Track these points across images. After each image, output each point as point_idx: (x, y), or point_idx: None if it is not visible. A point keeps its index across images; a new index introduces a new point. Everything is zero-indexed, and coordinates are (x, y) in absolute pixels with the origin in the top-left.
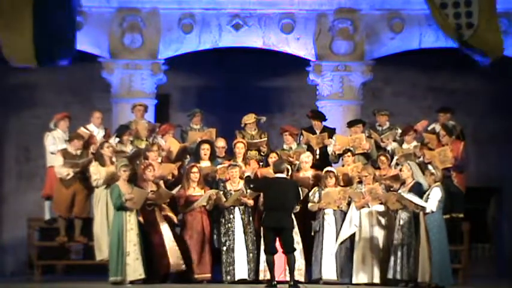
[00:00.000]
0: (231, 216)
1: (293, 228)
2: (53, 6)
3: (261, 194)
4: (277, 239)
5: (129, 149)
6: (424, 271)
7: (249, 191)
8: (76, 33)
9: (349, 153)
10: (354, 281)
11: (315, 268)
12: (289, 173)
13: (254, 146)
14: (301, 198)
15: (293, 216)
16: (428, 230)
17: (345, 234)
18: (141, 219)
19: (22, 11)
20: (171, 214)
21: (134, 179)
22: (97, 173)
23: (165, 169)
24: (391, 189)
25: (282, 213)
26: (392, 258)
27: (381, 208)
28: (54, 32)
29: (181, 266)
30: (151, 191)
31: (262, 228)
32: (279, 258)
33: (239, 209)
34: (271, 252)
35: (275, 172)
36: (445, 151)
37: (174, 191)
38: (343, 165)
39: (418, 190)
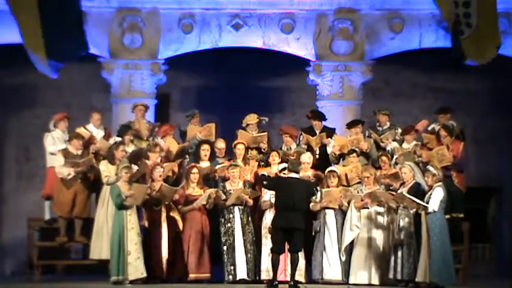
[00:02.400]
0: (231, 215)
1: (303, 229)
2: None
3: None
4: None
5: (130, 149)
6: (425, 271)
7: (249, 189)
8: (84, 29)
9: (354, 154)
10: (352, 281)
11: (315, 269)
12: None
13: (254, 142)
14: (314, 195)
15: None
16: (430, 229)
17: (348, 238)
18: (145, 222)
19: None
20: (177, 217)
21: (135, 180)
22: (107, 170)
23: (165, 167)
24: (391, 188)
25: (292, 213)
26: (392, 259)
27: (381, 209)
28: (62, 32)
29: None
30: (156, 190)
31: (272, 228)
32: (280, 258)
33: (239, 208)
34: (278, 252)
35: (290, 171)
36: (443, 150)
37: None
38: (343, 165)
39: (417, 190)
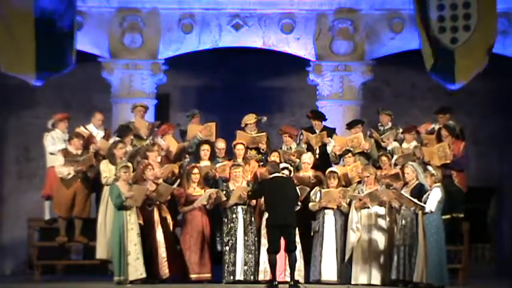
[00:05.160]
0: (234, 215)
1: (296, 226)
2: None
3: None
4: (282, 237)
5: (130, 148)
6: (421, 271)
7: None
8: (75, 43)
9: (349, 154)
10: (353, 282)
11: (314, 269)
12: (291, 174)
13: (253, 143)
14: (299, 196)
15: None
16: (426, 230)
17: (353, 241)
18: (140, 221)
19: (24, 26)
20: (168, 217)
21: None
22: (107, 170)
23: (166, 169)
24: (390, 187)
25: (286, 210)
26: (395, 259)
27: (381, 210)
28: (55, 46)
29: (165, 273)
30: (152, 190)
31: (266, 228)
32: (279, 258)
33: (242, 208)
34: (275, 251)
35: (272, 173)
36: (444, 147)
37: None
38: (343, 165)
39: (420, 191)
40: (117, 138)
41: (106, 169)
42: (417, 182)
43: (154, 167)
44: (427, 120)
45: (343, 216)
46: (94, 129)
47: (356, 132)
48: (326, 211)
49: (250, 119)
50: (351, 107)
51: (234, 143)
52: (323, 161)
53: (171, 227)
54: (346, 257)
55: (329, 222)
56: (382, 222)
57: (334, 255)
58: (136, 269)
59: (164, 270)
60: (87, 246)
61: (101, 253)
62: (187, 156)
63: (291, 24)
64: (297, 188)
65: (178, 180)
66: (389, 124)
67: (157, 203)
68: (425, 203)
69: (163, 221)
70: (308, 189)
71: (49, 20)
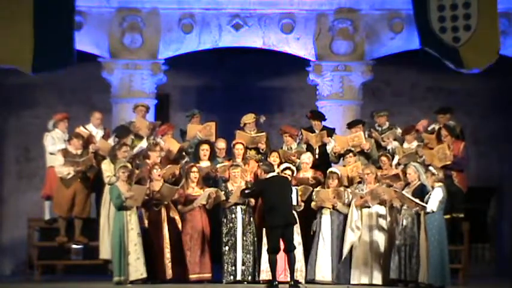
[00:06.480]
0: (233, 215)
1: (295, 224)
2: (53, 11)
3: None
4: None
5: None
6: (423, 271)
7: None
8: (74, 41)
9: (350, 154)
10: (352, 282)
11: (310, 268)
12: (293, 174)
13: (253, 143)
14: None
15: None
16: (428, 230)
17: (350, 238)
18: (146, 223)
19: (22, 15)
20: (177, 217)
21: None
22: (109, 169)
23: (168, 170)
24: (391, 188)
25: (287, 208)
26: (396, 259)
27: (382, 210)
28: (54, 39)
29: (169, 274)
30: (156, 191)
31: (266, 228)
32: (280, 258)
33: (241, 208)
34: (275, 251)
35: (268, 172)
36: (444, 149)
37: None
38: (344, 166)
39: (422, 191)
40: (116, 139)
41: (108, 168)
42: (419, 182)
43: (160, 166)
44: (426, 117)
45: (340, 216)
46: (93, 129)
47: (356, 132)
48: (323, 211)
49: (249, 118)
50: (351, 107)
51: (234, 142)
52: (323, 161)
53: (180, 227)
54: (344, 256)
55: (325, 222)
56: (383, 222)
57: (329, 255)
58: (136, 269)
59: (168, 271)
60: (87, 246)
61: (104, 253)
62: (185, 157)
63: (291, 24)
64: (298, 187)
65: (183, 181)
66: (387, 124)
67: (165, 203)
68: (427, 203)
69: (171, 221)
70: (311, 189)
71: (48, 16)
